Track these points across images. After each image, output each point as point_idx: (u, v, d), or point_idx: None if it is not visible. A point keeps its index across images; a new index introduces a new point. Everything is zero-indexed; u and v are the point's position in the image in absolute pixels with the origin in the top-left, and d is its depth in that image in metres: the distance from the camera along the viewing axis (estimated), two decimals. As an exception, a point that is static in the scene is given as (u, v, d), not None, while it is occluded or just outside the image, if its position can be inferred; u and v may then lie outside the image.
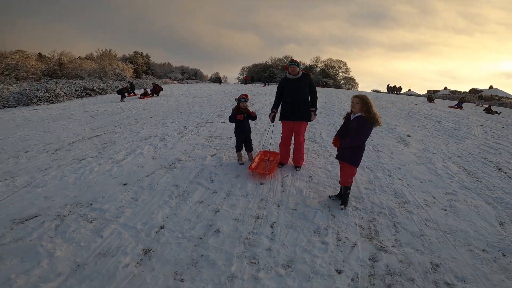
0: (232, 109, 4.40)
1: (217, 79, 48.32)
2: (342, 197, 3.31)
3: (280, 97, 4.22)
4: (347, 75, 57.56)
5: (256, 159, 4.40)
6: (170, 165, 4.42)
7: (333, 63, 57.49)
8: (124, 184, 3.73)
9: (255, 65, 57.67)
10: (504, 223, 3.10)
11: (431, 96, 22.13)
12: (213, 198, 3.39)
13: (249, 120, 4.49)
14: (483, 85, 47.49)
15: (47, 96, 13.70)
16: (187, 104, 11.94)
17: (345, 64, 57.45)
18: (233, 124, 4.60)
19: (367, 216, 3.10)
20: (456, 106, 17.09)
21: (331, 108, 11.38)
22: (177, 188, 3.63)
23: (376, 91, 44.37)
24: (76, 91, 16.00)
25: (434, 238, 2.75)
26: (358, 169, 4.44)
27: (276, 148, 4.94)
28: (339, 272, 2.26)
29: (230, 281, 2.13)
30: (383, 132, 7.35)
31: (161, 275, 2.16)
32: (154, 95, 15.82)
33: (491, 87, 44.10)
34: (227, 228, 2.78)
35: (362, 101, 2.99)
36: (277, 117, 4.36)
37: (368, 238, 2.72)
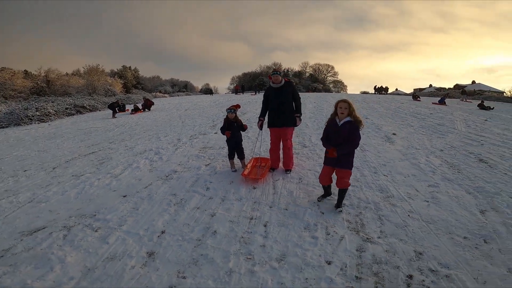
0: (224, 119, 4.63)
1: (208, 90, 48.56)
2: (339, 200, 3.37)
3: (266, 106, 4.48)
4: (335, 79, 58.65)
5: (249, 166, 4.61)
6: (166, 177, 4.60)
7: (321, 68, 58.56)
8: (124, 196, 3.90)
9: (245, 74, 58.43)
10: (485, 211, 3.28)
11: (416, 94, 22.84)
12: (209, 204, 3.58)
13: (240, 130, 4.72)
14: (466, 81, 49.16)
15: (38, 115, 13.72)
16: (179, 117, 12.12)
17: (332, 67, 58.63)
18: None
19: (354, 211, 3.32)
20: (438, 103, 17.68)
21: (320, 113, 11.70)
22: (174, 196, 3.82)
23: (364, 92, 45.30)
24: (66, 108, 16.02)
25: (417, 228, 2.94)
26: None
27: (267, 154, 5.17)
28: (329, 263, 2.45)
29: (228, 275, 2.32)
30: (370, 132, 7.66)
31: (165, 274, 2.35)
32: (146, 109, 15.93)
33: (473, 82, 45.67)
34: (223, 230, 2.97)
35: (349, 106, 3.09)
36: (266, 124, 4.61)
37: (355, 231, 2.93)
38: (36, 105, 14.94)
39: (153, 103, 16.65)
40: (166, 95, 39.35)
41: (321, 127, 8.51)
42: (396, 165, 4.87)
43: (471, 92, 32.84)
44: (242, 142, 4.81)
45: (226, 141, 4.71)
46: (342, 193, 3.37)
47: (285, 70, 57.18)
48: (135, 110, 15.14)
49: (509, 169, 4.70)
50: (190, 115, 12.67)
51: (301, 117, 4.46)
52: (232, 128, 4.55)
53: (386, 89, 36.15)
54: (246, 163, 4.77)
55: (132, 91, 34.24)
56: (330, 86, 56.91)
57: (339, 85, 58.11)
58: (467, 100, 23.23)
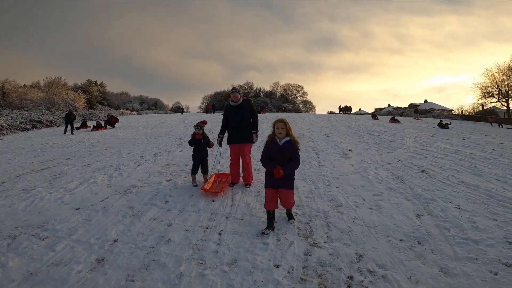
0: (192, 135, 4.81)
1: (178, 109, 48.18)
2: (288, 216, 3.45)
3: (226, 123, 4.70)
4: (305, 99, 61.20)
5: (210, 181, 4.73)
6: (125, 191, 4.54)
7: (291, 88, 60.93)
8: (77, 209, 3.80)
9: (216, 93, 58.92)
10: (421, 216, 3.63)
11: (374, 114, 24.80)
12: (166, 215, 3.62)
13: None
14: (419, 100, 54.21)
15: (-12, 130, 12.75)
16: (145, 135, 11.89)
17: (302, 88, 61.31)
18: (191, 151, 4.92)
19: (305, 219, 3.54)
20: (391, 121, 19.51)
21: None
22: (131, 209, 3.80)
23: (331, 112, 47.71)
24: (21, 123, 15.08)
25: (360, 232, 3.19)
26: (302, 182, 4.99)
27: (227, 170, 5.33)
28: (277, 266, 2.60)
29: (178, 278, 2.38)
30: (329, 149, 8.16)
31: (114, 278, 2.37)
32: (109, 127, 15.40)
33: (425, 101, 50.48)
34: (178, 238, 3.03)
35: (286, 125, 3.14)
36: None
37: (304, 237, 3.12)
38: (-14, 119, 13.88)
39: (117, 120, 16.18)
40: (133, 112, 38.36)
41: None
42: (348, 178, 5.27)
43: (423, 110, 36.21)
44: (207, 157, 4.94)
45: (192, 156, 4.83)
46: (289, 211, 3.47)
47: (257, 90, 58.73)
48: (97, 127, 14.59)
49: (447, 178, 5.29)
50: (156, 133, 12.51)
51: (258, 133, 4.73)
52: (199, 143, 4.71)
53: (350, 108, 38.52)
54: (207, 178, 4.88)
55: (97, 107, 32.93)
56: (300, 106, 59.23)
57: (308, 105, 60.73)
58: (419, 119, 25.66)
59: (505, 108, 35.59)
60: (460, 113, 39.64)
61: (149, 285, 2.31)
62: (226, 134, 4.81)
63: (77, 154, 7.98)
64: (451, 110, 43.20)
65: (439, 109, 43.28)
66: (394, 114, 26.31)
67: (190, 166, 5.74)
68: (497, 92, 35.33)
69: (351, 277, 2.46)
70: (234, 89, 4.57)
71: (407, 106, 51.90)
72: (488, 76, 35.61)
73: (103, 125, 15.25)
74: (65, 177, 5.37)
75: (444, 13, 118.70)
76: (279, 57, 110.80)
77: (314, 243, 2.99)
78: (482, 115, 32.70)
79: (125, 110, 37.24)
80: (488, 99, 36.36)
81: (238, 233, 3.18)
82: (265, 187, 3.33)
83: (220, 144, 4.77)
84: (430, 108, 42.45)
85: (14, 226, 3.29)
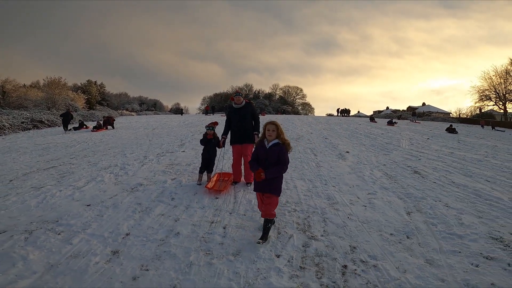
0: (203, 134, 5.09)
1: (178, 110, 48.11)
2: (263, 230, 3.11)
3: (229, 125, 4.97)
4: (304, 101, 61.37)
5: (213, 180, 4.97)
6: (132, 189, 4.76)
7: (290, 90, 61.05)
8: (88, 205, 4.02)
9: (216, 95, 59.13)
10: (411, 213, 3.90)
11: (372, 116, 25.18)
12: (173, 211, 3.85)
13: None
14: (418, 103, 54.66)
15: (-10, 129, 12.90)
16: (147, 136, 12.07)
17: (301, 90, 61.45)
18: (198, 152, 5.18)
19: (303, 215, 3.79)
20: (388, 124, 19.86)
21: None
22: (140, 205, 4.02)
23: (330, 115, 48.06)
24: (22, 123, 15.21)
25: (354, 227, 3.44)
26: (300, 181, 5.24)
27: (229, 170, 5.57)
28: (278, 256, 2.84)
29: (188, 267, 2.62)
30: (327, 151, 8.42)
31: (129, 267, 2.59)
32: (109, 127, 15.60)
33: (423, 104, 50.82)
34: (186, 231, 3.27)
35: (277, 128, 3.07)
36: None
37: (302, 231, 3.37)
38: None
39: (114, 119, 16.37)
40: (133, 113, 38.52)
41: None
42: (344, 178, 5.52)
43: (420, 113, 36.54)
44: (215, 157, 5.18)
45: (202, 154, 5.08)
46: (267, 223, 3.11)
47: (256, 92, 59.01)
48: (98, 127, 14.77)
49: (438, 179, 5.56)
50: (158, 134, 12.70)
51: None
52: (210, 143, 4.99)
53: (348, 111, 38.91)
54: (211, 177, 5.11)
55: (96, 107, 33.04)
56: (299, 108, 59.50)
57: (307, 108, 61.01)
58: (416, 121, 26.02)
59: (502, 111, 36.04)
60: (457, 116, 40.09)
61: (162, 273, 2.54)
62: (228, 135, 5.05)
63: (81, 153, 8.18)
64: (449, 113, 43.65)
65: (437, 112, 43.68)
66: (392, 117, 26.65)
67: (193, 165, 6.01)
68: (494, 95, 35.77)
69: (345, 266, 2.68)
70: (238, 93, 4.86)
71: (405, 108, 52.37)
72: (486, 79, 36.11)
73: (102, 125, 15.42)
74: (73, 176, 5.58)
75: (442, 16, 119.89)
76: (278, 59, 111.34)
77: (312, 236, 3.23)
78: (478, 118, 33.16)
79: (124, 111, 37.40)
80: (485, 102, 36.79)
81: (242, 227, 3.42)
82: (254, 191, 3.33)
83: (223, 144, 5.02)
84: (428, 111, 42.84)
85: (29, 221, 3.49)
